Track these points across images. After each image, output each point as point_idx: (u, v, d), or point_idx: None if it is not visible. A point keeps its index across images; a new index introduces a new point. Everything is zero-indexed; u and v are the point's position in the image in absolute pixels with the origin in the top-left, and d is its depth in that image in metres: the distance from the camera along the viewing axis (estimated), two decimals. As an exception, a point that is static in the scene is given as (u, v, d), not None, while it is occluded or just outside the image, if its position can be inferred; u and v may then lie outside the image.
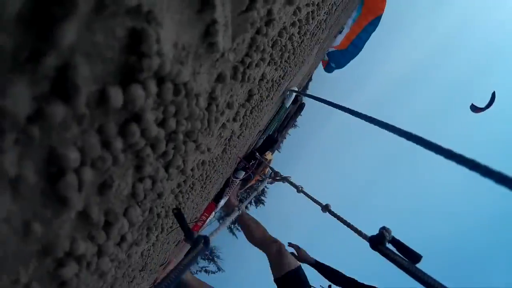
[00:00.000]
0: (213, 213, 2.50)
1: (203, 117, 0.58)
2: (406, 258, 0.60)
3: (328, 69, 7.78)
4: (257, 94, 1.00)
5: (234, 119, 0.94)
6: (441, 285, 0.47)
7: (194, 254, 0.52)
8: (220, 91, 0.60)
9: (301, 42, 1.35)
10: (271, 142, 3.53)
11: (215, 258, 28.60)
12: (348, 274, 1.89)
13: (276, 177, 1.81)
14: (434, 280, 0.49)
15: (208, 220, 2.45)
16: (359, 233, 0.67)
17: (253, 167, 2.60)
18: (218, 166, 1.45)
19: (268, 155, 3.28)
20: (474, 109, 8.61)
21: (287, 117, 4.86)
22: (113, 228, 0.47)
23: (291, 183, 1.50)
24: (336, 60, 7.45)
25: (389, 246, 0.62)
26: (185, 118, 0.50)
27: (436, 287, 0.47)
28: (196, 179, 1.00)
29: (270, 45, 0.81)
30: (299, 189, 1.32)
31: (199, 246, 0.55)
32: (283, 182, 1.67)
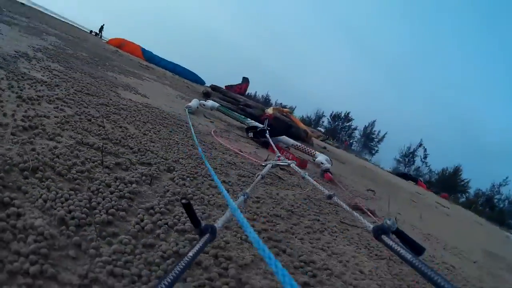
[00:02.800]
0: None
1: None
2: (409, 250, 0.61)
3: None
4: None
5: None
6: (445, 280, 0.47)
7: (201, 244, 0.55)
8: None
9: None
10: (284, 131, 3.80)
11: None
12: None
13: (279, 159, 1.82)
14: (438, 274, 0.48)
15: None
16: (363, 222, 0.68)
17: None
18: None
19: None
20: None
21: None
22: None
23: (295, 169, 1.49)
24: None
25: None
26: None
27: (439, 282, 0.46)
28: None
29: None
30: (302, 175, 1.33)
31: (206, 236, 0.58)
32: (288, 166, 1.66)
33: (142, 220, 0.86)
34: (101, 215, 0.80)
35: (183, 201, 0.60)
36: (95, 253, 0.65)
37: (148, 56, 11.11)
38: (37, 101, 1.47)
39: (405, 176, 15.25)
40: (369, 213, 1.97)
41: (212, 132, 2.63)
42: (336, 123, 43.29)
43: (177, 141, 1.86)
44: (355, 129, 43.15)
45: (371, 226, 0.64)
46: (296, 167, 1.50)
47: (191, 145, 1.90)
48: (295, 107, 40.74)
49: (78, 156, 1.08)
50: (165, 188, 1.15)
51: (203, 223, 0.58)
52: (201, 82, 11.99)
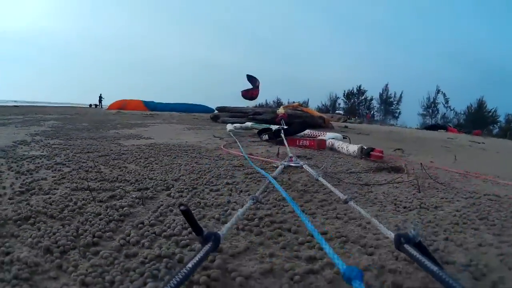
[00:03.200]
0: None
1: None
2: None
3: None
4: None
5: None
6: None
7: (203, 254, 0.49)
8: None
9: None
10: (300, 128, 3.80)
11: None
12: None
13: (291, 160, 1.78)
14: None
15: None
16: (383, 229, 0.62)
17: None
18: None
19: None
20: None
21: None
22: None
23: (308, 170, 1.45)
24: None
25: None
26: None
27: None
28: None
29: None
30: (315, 177, 1.28)
31: (209, 244, 0.52)
32: (300, 167, 1.64)
33: (128, 235, 0.79)
34: (86, 238, 0.76)
35: (182, 207, 0.54)
36: (73, 270, 0.63)
37: (152, 106, 11.37)
38: (35, 170, 1.46)
39: (434, 127, 15.02)
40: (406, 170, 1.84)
41: (221, 147, 2.55)
42: (352, 100, 42.03)
43: (179, 163, 1.79)
44: (371, 99, 41.88)
45: (392, 234, 0.58)
46: (309, 168, 1.44)
47: (196, 162, 1.84)
48: (308, 100, 40.87)
49: (72, 199, 1.05)
50: (160, 203, 1.07)
51: (205, 230, 0.52)
52: (210, 110, 12.03)
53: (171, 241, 0.76)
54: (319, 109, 37.55)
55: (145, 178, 1.39)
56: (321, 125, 6.24)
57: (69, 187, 1.19)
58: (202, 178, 1.46)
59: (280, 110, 5.89)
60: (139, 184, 1.30)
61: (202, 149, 2.44)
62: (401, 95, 40.69)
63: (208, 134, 3.79)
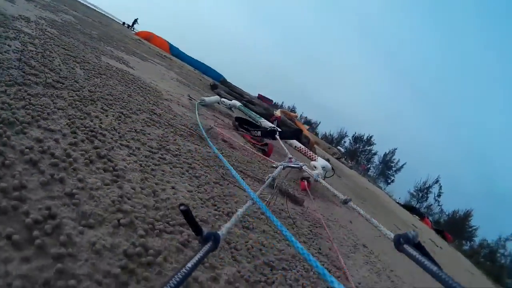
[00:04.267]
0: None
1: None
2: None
3: None
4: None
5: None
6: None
7: (203, 253, 0.48)
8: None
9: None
10: (293, 135, 3.75)
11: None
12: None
13: (291, 161, 1.78)
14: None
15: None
16: (383, 230, 0.62)
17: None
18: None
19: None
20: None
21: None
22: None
23: (307, 172, 1.45)
24: None
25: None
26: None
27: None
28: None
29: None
30: (315, 179, 1.27)
31: (208, 244, 0.51)
32: (299, 169, 1.63)
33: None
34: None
35: (182, 207, 0.54)
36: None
37: (175, 52, 10.70)
38: (13, 39, 1.58)
39: (412, 209, 14.08)
40: (309, 193, 2.00)
41: (213, 125, 2.43)
42: (358, 145, 41.35)
43: (118, 90, 1.80)
44: (375, 154, 41.37)
45: (392, 234, 0.58)
46: (308, 169, 1.44)
47: (129, 95, 1.85)
48: (319, 122, 41.09)
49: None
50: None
51: (205, 230, 0.52)
52: (219, 79, 11.56)
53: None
54: (326, 137, 37.97)
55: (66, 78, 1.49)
56: (305, 144, 6.08)
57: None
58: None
59: (277, 113, 5.91)
60: (60, 77, 1.43)
61: (161, 96, 2.42)
62: (402, 166, 40.21)
63: (190, 92, 3.52)
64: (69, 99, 1.24)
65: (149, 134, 1.39)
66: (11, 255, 0.54)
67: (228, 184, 1.33)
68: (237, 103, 4.12)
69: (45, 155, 0.82)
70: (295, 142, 3.81)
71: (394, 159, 40.86)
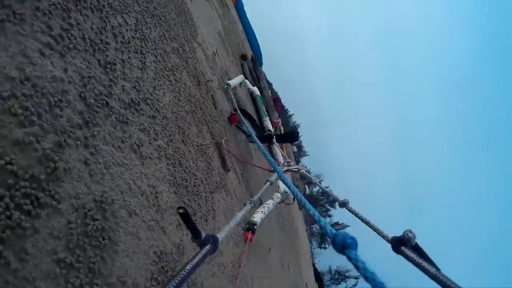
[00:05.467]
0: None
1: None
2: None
3: None
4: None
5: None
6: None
7: (202, 256, 0.49)
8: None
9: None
10: (291, 137, 3.69)
11: (346, 274, 29.24)
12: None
13: (289, 166, 1.78)
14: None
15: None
16: (380, 233, 0.62)
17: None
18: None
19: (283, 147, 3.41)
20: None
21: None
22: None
23: (306, 174, 1.46)
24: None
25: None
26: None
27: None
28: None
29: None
30: (313, 181, 1.28)
31: (207, 247, 0.52)
32: (298, 172, 1.64)
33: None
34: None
35: (180, 210, 0.54)
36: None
37: (239, 7, 10.24)
38: None
39: (319, 279, 13.13)
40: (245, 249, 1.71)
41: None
42: (322, 198, 36.65)
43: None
44: (330, 215, 36.10)
45: (389, 237, 0.58)
46: (307, 173, 1.44)
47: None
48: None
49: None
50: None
51: (203, 233, 0.52)
52: (258, 54, 10.91)
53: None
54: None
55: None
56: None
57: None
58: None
59: (274, 119, 5.98)
60: None
61: (196, 38, 2.52)
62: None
63: (220, 50, 3.43)
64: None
65: (170, 58, 1.80)
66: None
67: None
68: (257, 92, 4.05)
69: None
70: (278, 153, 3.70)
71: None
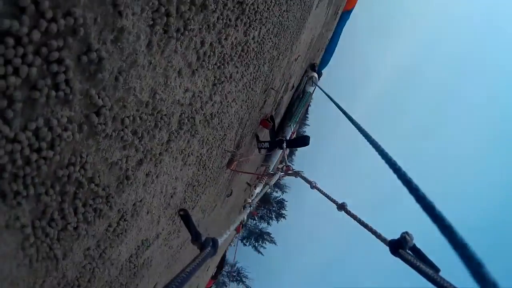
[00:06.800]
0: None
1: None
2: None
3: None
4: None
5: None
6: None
7: (201, 258, 0.49)
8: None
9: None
10: (302, 142, 3.63)
11: (243, 278, 28.16)
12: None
13: (288, 171, 1.78)
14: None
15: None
16: (378, 236, 0.63)
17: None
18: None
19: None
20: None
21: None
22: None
23: (304, 178, 1.46)
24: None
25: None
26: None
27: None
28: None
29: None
30: (312, 185, 1.28)
31: (207, 250, 0.52)
32: (295, 176, 1.64)
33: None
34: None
35: (181, 212, 0.55)
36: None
37: (345, 17, 10.04)
38: None
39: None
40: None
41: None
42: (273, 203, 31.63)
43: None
44: (282, 216, 31.06)
45: (387, 239, 0.59)
46: (305, 177, 1.44)
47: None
48: None
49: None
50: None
51: (203, 236, 0.53)
52: (326, 62, 10.49)
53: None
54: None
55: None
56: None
57: None
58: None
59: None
60: None
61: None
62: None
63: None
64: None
65: (264, 68, 1.70)
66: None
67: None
68: (312, 90, 4.03)
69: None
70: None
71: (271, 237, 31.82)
